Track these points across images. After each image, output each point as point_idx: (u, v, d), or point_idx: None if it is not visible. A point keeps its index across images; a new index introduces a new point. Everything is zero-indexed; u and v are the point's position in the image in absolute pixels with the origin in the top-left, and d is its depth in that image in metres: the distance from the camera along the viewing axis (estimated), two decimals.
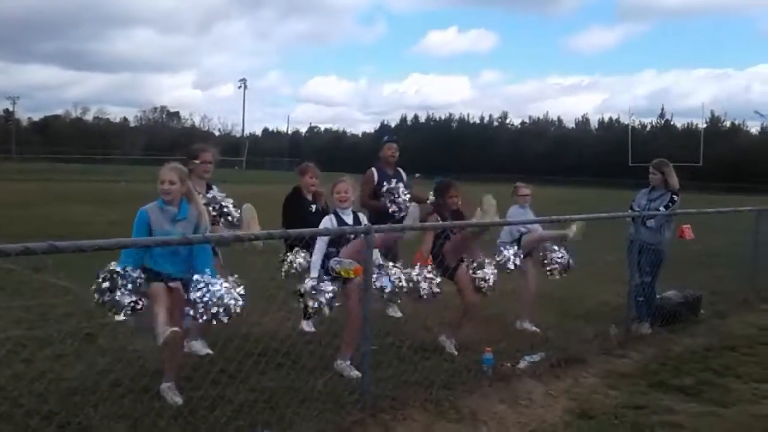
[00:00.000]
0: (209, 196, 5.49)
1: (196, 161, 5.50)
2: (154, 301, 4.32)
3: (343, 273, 4.63)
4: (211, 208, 5.33)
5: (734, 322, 7.55)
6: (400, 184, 7.17)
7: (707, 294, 8.12)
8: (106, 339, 5.73)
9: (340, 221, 5.24)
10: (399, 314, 7.06)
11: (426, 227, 5.48)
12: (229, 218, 5.48)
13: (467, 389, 4.90)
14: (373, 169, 7.32)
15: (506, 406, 4.73)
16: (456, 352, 5.82)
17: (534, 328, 6.79)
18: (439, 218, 5.84)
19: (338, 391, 4.69)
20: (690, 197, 8.37)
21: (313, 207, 6.25)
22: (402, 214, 6.84)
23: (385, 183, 7.13)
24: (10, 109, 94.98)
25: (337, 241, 5.02)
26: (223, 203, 5.54)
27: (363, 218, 5.42)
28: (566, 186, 51.38)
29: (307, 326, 6.33)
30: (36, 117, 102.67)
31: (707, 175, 51.84)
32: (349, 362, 5.17)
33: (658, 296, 7.18)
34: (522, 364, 5.52)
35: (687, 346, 6.48)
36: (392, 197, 7.09)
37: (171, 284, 4.40)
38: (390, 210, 7.05)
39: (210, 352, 5.51)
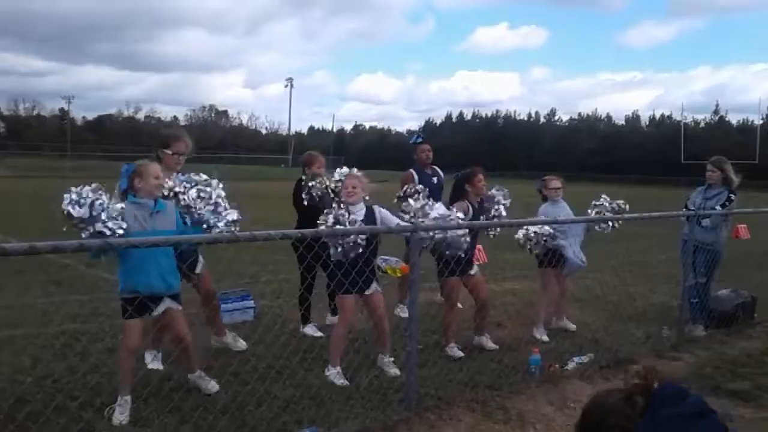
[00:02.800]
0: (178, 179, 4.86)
1: (167, 150, 5.02)
2: (125, 337, 4.27)
3: (389, 272, 4.62)
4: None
5: None
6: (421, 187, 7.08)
7: (764, 296, 7.83)
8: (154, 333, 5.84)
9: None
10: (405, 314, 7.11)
11: (465, 225, 5.34)
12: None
13: (514, 390, 4.83)
14: (412, 170, 7.36)
15: (554, 408, 4.64)
16: (496, 346, 5.81)
17: (572, 326, 6.67)
18: (468, 205, 5.81)
19: (383, 389, 4.68)
20: (746, 195, 8.05)
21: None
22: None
23: (428, 183, 7.14)
24: (66, 108, 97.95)
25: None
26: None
27: (379, 212, 5.15)
28: (616, 184, 50.31)
29: (311, 330, 6.17)
30: (90, 116, 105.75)
31: (764, 172, 50.06)
32: (391, 359, 5.17)
33: (712, 297, 6.96)
34: (570, 366, 5.41)
35: (743, 349, 6.26)
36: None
37: (159, 311, 4.36)
38: None
39: (244, 347, 5.52)
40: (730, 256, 7.37)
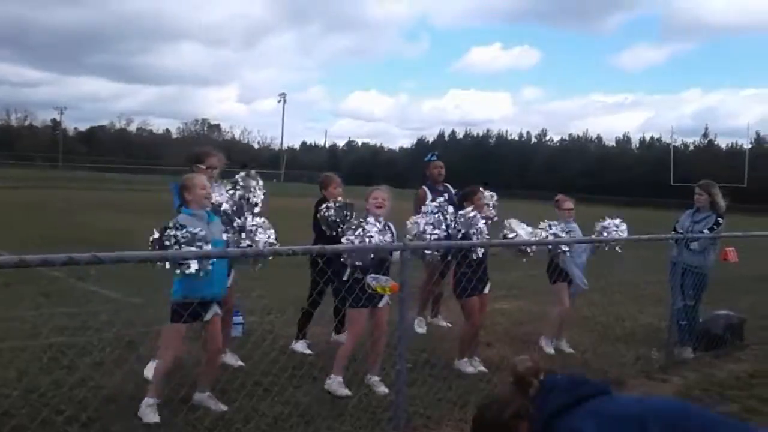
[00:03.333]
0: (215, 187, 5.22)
1: (201, 165, 5.27)
2: (171, 344, 4.38)
3: (379, 290, 4.62)
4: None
5: None
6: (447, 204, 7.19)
7: (753, 318, 7.89)
8: (146, 347, 5.80)
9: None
10: (423, 329, 7.13)
11: (463, 245, 5.42)
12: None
13: None
14: (425, 187, 7.55)
15: None
16: (484, 369, 5.82)
17: (570, 350, 6.69)
18: None
19: (372, 408, 4.67)
20: (734, 219, 8.12)
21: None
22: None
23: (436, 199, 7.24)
24: (58, 119, 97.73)
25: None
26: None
27: (393, 228, 5.28)
28: (605, 205, 50.59)
29: (301, 347, 6.17)
30: (82, 127, 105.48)
31: (752, 196, 50.52)
32: (378, 378, 5.16)
33: (701, 320, 7.00)
34: None
35: (731, 372, 6.29)
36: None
37: (208, 317, 4.47)
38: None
39: (242, 364, 5.53)
40: (719, 279, 7.43)
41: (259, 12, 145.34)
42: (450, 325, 7.37)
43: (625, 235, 6.72)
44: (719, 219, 6.79)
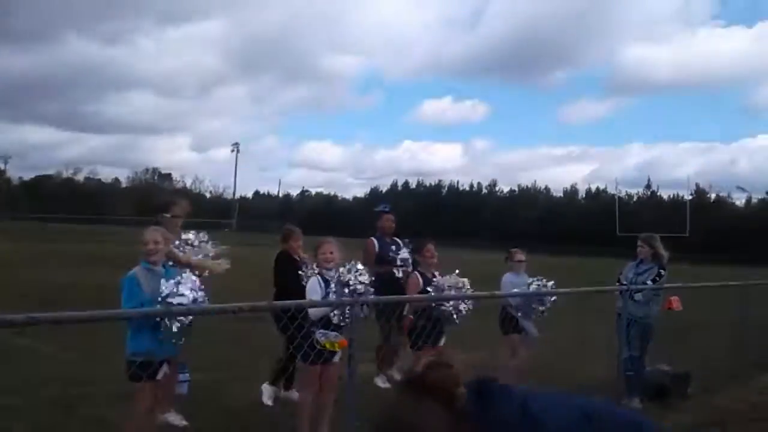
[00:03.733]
0: (183, 237, 5.36)
1: (167, 214, 5.39)
2: (137, 400, 4.30)
3: (328, 345, 4.58)
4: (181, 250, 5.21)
5: (724, 398, 7.47)
6: (405, 252, 7.37)
7: (696, 368, 8.06)
8: (86, 409, 5.59)
9: (326, 282, 5.10)
10: (387, 384, 7.02)
11: (414, 299, 5.46)
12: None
13: None
14: (373, 239, 7.58)
15: None
16: None
17: None
18: (419, 277, 5.97)
19: None
20: (677, 268, 8.39)
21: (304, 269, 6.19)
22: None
23: (389, 252, 7.43)
24: (2, 167, 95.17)
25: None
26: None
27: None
28: (554, 254, 51.54)
29: (267, 398, 6.12)
30: (27, 176, 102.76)
31: (693, 245, 52.24)
32: None
33: (648, 369, 7.13)
34: None
35: (676, 422, 6.38)
36: (403, 266, 7.31)
37: (161, 373, 4.40)
38: (397, 275, 7.27)
39: (186, 423, 5.36)
40: (665, 329, 7.59)
41: (213, 62, 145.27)
42: None
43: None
44: (662, 270, 6.99)
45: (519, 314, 6.64)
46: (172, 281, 4.24)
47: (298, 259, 6.20)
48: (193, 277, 4.48)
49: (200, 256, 5.24)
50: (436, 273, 6.20)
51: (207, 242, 5.45)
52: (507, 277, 7.00)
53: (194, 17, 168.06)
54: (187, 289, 4.24)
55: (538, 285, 6.71)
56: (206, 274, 5.02)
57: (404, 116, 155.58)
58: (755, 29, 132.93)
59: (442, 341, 5.98)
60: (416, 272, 6.11)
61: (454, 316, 5.75)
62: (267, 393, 6.11)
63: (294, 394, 5.83)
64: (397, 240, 7.73)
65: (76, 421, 5.33)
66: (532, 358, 7.76)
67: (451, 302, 5.67)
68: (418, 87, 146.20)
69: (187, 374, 6.28)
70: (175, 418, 5.39)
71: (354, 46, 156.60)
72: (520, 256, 7.11)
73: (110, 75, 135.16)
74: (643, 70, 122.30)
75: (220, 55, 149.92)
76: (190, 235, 5.42)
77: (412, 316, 5.94)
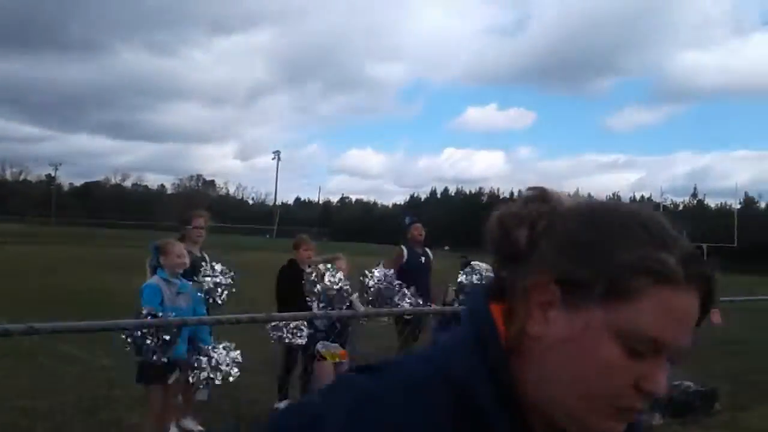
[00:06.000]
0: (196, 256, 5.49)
1: (189, 226, 5.65)
2: (150, 406, 4.44)
3: (329, 357, 4.63)
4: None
5: (754, 416, 7.26)
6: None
7: (728, 383, 7.85)
8: (107, 412, 5.75)
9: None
10: None
11: (423, 311, 5.45)
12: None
13: None
14: (403, 247, 7.60)
15: None
16: None
17: None
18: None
19: None
20: (726, 279, 8.15)
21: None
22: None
23: (418, 260, 7.48)
24: (53, 174, 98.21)
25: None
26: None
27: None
28: None
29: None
30: (77, 182, 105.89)
31: (741, 256, 50.79)
32: None
33: (671, 386, 6.98)
34: None
35: None
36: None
37: (172, 378, 4.53)
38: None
39: (202, 429, 5.48)
40: (697, 342, 7.41)
41: (259, 71, 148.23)
42: None
43: None
44: None
45: None
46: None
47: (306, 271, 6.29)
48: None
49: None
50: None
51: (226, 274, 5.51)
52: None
53: (242, 28, 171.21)
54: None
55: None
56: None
57: (447, 124, 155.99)
58: None
59: None
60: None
61: None
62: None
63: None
64: (426, 250, 7.76)
65: (95, 424, 5.49)
66: None
67: None
68: (461, 94, 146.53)
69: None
70: (190, 424, 5.50)
71: (398, 54, 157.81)
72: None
73: (160, 85, 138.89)
74: (693, 77, 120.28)
75: (267, 64, 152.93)
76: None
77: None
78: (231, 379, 4.37)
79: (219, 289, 5.21)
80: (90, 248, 33.43)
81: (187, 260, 4.88)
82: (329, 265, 4.91)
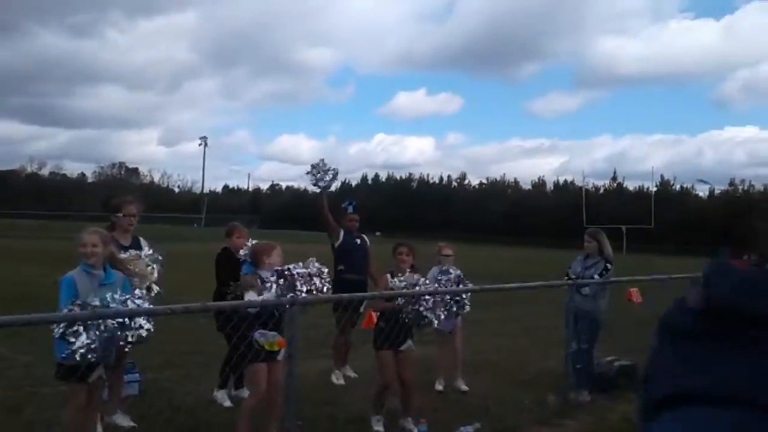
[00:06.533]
0: (131, 252, 5.37)
1: (119, 214, 5.50)
2: (71, 400, 4.29)
3: (266, 346, 4.59)
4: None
5: None
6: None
7: (646, 359, 8.22)
8: (32, 410, 5.53)
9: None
10: (341, 381, 7.07)
11: (365, 296, 5.47)
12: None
13: None
14: (342, 230, 7.67)
15: None
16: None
17: (465, 387, 6.91)
18: (389, 276, 5.89)
19: None
20: (641, 258, 8.55)
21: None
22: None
23: (350, 242, 7.59)
24: None
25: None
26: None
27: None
28: (523, 246, 52.04)
29: (221, 398, 6.10)
30: None
31: (658, 236, 53.23)
32: None
33: (596, 363, 7.27)
34: None
35: (624, 413, 6.51)
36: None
37: (94, 376, 4.37)
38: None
39: (134, 424, 5.34)
40: (618, 322, 7.73)
41: (184, 55, 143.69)
42: (356, 375, 7.35)
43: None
44: (608, 265, 7.12)
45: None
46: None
47: (240, 258, 6.20)
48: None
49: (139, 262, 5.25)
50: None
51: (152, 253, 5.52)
52: (433, 272, 6.58)
53: (166, 9, 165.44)
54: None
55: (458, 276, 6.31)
56: (136, 281, 4.99)
57: (378, 109, 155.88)
58: (723, 22, 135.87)
59: (406, 345, 5.72)
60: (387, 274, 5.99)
61: (431, 318, 5.55)
62: (220, 397, 6.09)
63: (245, 392, 5.82)
64: (363, 236, 7.84)
65: (20, 422, 5.28)
66: (491, 351, 7.90)
67: (429, 304, 5.54)
68: (391, 80, 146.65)
69: (137, 374, 6.26)
70: (122, 419, 5.35)
71: (327, 39, 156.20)
72: (448, 250, 7.09)
73: (78, 68, 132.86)
74: (612, 64, 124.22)
75: (192, 48, 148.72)
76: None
77: (374, 312, 5.70)
78: (144, 334, 4.10)
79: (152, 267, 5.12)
80: (6, 240, 31.87)
81: (100, 249, 4.62)
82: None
